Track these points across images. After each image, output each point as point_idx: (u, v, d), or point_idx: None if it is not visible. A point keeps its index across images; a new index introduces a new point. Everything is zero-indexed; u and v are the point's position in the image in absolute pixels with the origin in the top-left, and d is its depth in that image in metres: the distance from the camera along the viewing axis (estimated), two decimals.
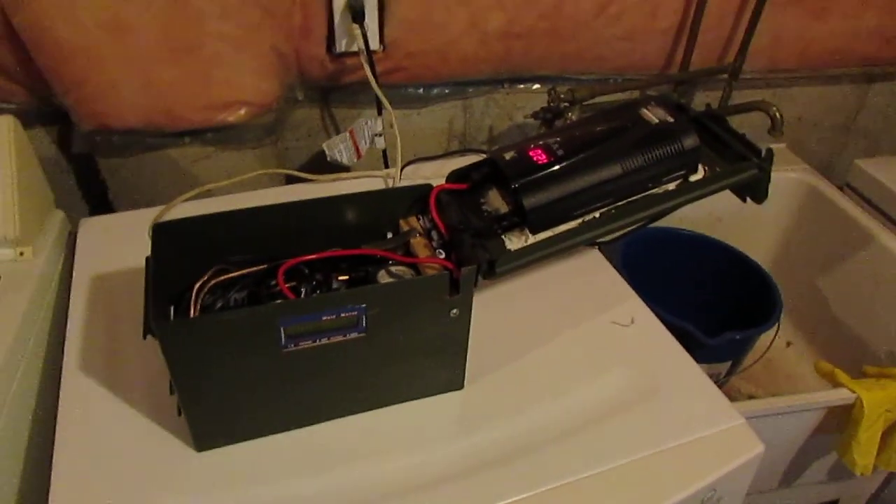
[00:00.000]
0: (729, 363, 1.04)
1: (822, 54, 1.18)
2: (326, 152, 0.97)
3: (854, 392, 0.81)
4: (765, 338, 1.03)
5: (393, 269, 0.66)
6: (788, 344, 1.27)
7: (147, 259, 0.59)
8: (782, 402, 0.81)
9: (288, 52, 0.96)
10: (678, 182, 0.64)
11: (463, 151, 1.06)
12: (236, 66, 0.90)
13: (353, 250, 0.65)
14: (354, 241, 0.68)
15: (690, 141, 0.61)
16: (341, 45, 0.97)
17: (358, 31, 0.93)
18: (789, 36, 1.14)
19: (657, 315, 0.98)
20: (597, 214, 0.63)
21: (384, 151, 1.03)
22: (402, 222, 0.70)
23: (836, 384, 0.83)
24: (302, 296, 0.64)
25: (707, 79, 1.15)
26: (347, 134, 0.98)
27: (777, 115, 1.03)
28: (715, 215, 1.23)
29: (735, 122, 1.25)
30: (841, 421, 0.85)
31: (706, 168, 0.65)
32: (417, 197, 0.69)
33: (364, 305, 0.56)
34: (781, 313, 1.02)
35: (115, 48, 0.83)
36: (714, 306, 1.16)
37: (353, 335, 0.57)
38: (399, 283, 0.60)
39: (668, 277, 1.17)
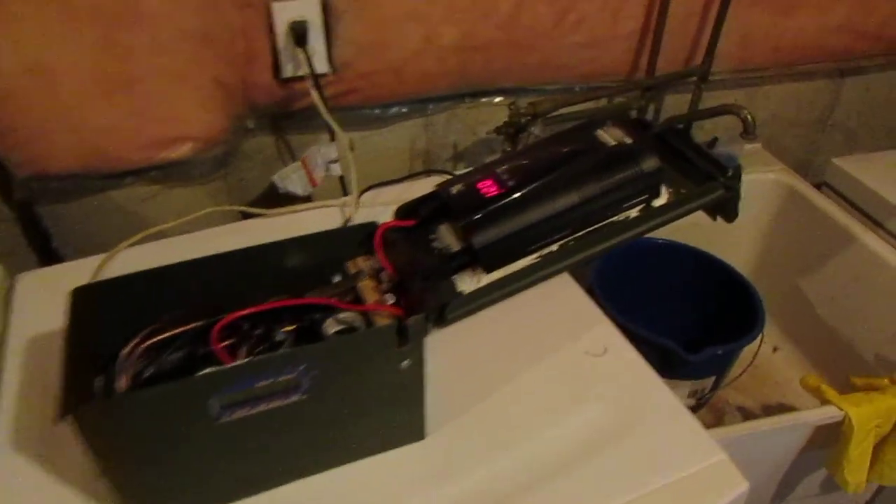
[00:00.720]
0: (713, 378, 0.99)
1: (793, 51, 1.14)
2: (277, 185, 0.92)
3: (842, 409, 0.77)
4: (751, 345, 0.99)
5: (341, 315, 0.61)
6: (775, 349, 1.23)
7: (66, 329, 0.54)
8: (768, 423, 0.77)
9: (232, 82, 0.91)
10: (641, 207, 0.60)
11: (426, 172, 1.02)
12: (175, 100, 0.85)
13: (295, 300, 0.60)
14: (300, 286, 0.64)
15: (650, 163, 0.57)
16: (287, 70, 0.93)
17: (303, 56, 0.89)
18: (758, 34, 1.10)
19: (634, 334, 0.93)
20: (555, 248, 0.58)
21: (341, 178, 0.98)
22: (349, 263, 0.65)
23: (824, 401, 0.79)
24: (243, 352, 0.59)
25: (676, 82, 1.11)
26: (299, 163, 0.93)
27: (749, 118, 0.98)
28: (691, 220, 1.19)
29: (707, 125, 1.22)
30: (830, 437, 0.81)
31: (670, 190, 0.61)
32: (364, 236, 0.64)
33: (303, 367, 0.51)
34: (765, 322, 0.98)
35: (43, 92, 0.78)
36: (695, 316, 1.12)
37: (295, 398, 0.53)
38: (340, 340, 0.55)
39: (645, 288, 1.13)
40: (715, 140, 1.14)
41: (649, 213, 0.59)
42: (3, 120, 0.79)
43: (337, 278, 0.65)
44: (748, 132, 0.99)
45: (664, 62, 1.07)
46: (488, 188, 0.58)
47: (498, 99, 1.08)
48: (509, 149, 1.03)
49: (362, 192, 0.95)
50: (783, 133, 1.26)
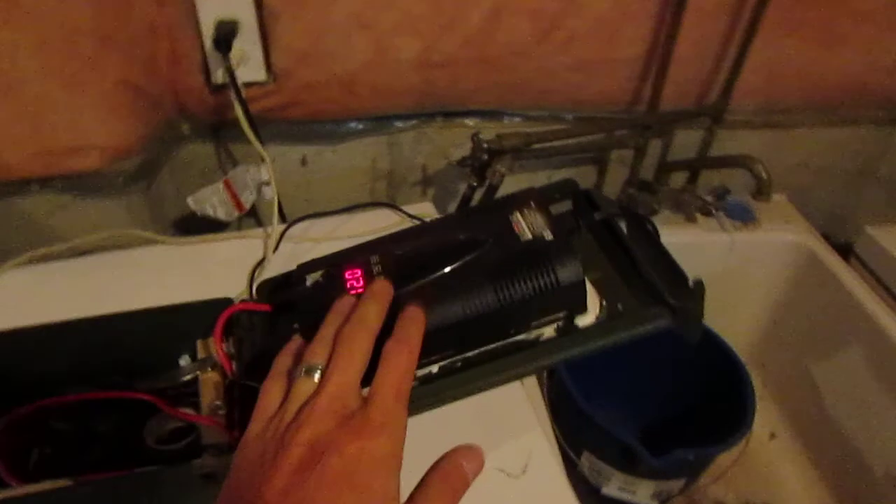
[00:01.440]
0: (683, 481, 0.84)
1: (835, 91, 0.96)
2: (193, 209, 0.80)
3: None
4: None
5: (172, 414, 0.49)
6: (772, 436, 1.06)
7: None
8: None
9: (151, 86, 0.79)
10: (559, 324, 0.45)
11: (374, 205, 0.88)
12: (72, 106, 0.73)
13: (105, 392, 0.48)
14: (142, 366, 0.52)
15: (569, 272, 0.42)
16: (218, 77, 0.80)
17: (233, 61, 0.76)
18: (791, 69, 0.92)
19: (593, 423, 0.79)
20: (434, 368, 0.44)
21: (278, 203, 0.85)
22: (200, 343, 0.52)
23: None
24: (34, 456, 0.48)
25: (685, 120, 0.94)
26: (221, 185, 0.81)
27: (763, 175, 0.82)
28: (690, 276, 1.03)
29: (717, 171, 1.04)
30: None
31: (604, 304, 0.46)
32: (217, 314, 0.51)
33: None
34: (752, 422, 0.82)
35: None
36: (677, 392, 0.97)
37: None
38: (104, 483, 0.42)
39: (621, 360, 0.97)
40: (726, 192, 0.97)
41: (569, 335, 0.45)
42: None
43: (184, 360, 0.53)
44: (762, 192, 0.83)
45: (672, 94, 0.90)
46: (353, 282, 0.44)
47: (472, 121, 0.94)
48: (475, 183, 0.88)
49: (293, 222, 0.82)
50: (814, 185, 1.08)
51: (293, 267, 0.77)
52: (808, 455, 1.01)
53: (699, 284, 0.46)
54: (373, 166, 0.97)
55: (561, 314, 0.44)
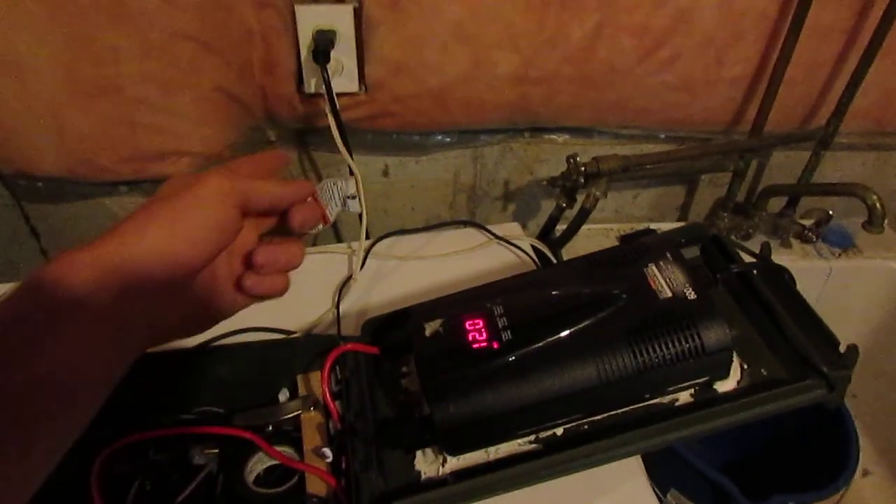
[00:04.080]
0: None
1: None
2: None
3: None
4: None
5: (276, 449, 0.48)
6: (865, 473, 1.01)
7: None
8: None
9: (244, 92, 0.78)
10: (696, 388, 0.42)
11: (459, 222, 0.85)
12: (168, 111, 0.73)
13: (204, 427, 0.46)
14: (242, 395, 0.51)
15: (715, 338, 0.39)
16: (311, 86, 0.78)
17: (323, 72, 0.74)
18: None
19: (683, 460, 0.76)
20: (559, 431, 0.42)
21: (361, 217, 0.84)
22: (300, 378, 0.51)
23: None
24: (133, 490, 0.47)
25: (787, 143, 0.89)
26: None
27: (877, 205, 0.77)
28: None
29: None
30: None
31: (745, 366, 0.43)
32: (323, 350, 0.49)
33: None
34: (857, 465, 0.78)
35: (12, 89, 0.68)
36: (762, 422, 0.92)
37: None
38: None
39: None
40: (829, 219, 0.92)
41: (708, 402, 0.41)
42: None
43: (284, 395, 0.51)
44: (874, 224, 0.78)
45: (777, 116, 0.85)
46: (475, 334, 0.41)
47: (562, 138, 0.90)
48: (564, 204, 0.85)
49: (377, 239, 0.81)
50: None
51: (379, 286, 0.75)
52: None
53: (853, 350, 0.42)
54: (455, 179, 0.95)
55: (701, 380, 0.41)
